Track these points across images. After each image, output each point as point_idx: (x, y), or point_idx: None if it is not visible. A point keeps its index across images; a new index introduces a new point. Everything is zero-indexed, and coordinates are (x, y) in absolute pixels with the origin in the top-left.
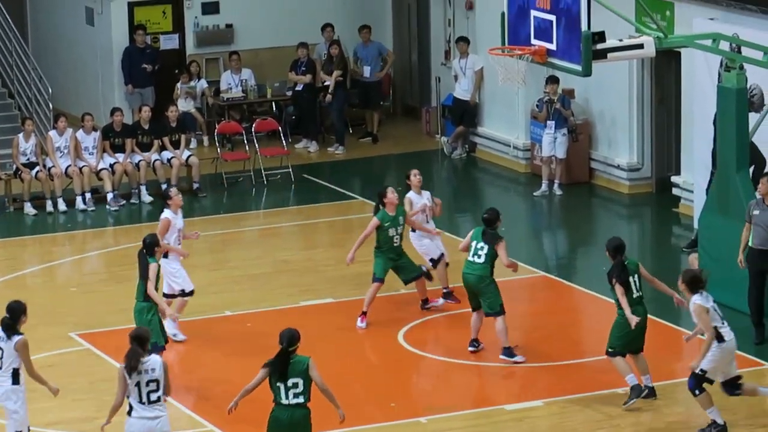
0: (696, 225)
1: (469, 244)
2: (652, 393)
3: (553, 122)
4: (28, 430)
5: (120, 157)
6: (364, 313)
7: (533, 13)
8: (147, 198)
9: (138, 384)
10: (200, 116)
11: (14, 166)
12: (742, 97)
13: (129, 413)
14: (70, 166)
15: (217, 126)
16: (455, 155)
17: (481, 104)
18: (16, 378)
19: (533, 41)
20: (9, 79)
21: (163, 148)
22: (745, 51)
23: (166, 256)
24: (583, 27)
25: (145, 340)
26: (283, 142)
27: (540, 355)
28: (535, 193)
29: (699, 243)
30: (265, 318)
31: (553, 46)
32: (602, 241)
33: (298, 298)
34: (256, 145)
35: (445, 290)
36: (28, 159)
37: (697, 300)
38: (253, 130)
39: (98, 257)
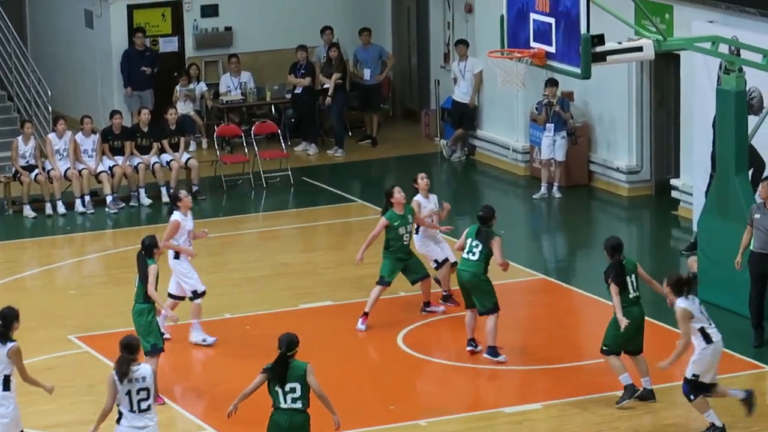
0: (695, 228)
1: (464, 243)
2: (651, 396)
3: (553, 125)
4: None
5: (119, 159)
6: (366, 315)
7: (532, 15)
8: (146, 201)
9: (129, 392)
10: (199, 119)
11: (13, 169)
12: (741, 100)
13: (118, 421)
14: (69, 168)
15: (216, 129)
16: (454, 158)
17: (481, 107)
18: (6, 384)
19: (532, 44)
20: (8, 81)
21: (162, 150)
22: (744, 54)
23: (177, 257)
24: (583, 30)
25: (135, 347)
26: (283, 144)
27: (539, 358)
28: (534, 196)
29: (698, 246)
30: (264, 321)
31: (552, 49)
32: (601, 244)
33: (297, 301)
34: (256, 147)
35: (444, 293)
36: (27, 162)
37: (681, 303)
38: (252, 132)
39: (97, 260)
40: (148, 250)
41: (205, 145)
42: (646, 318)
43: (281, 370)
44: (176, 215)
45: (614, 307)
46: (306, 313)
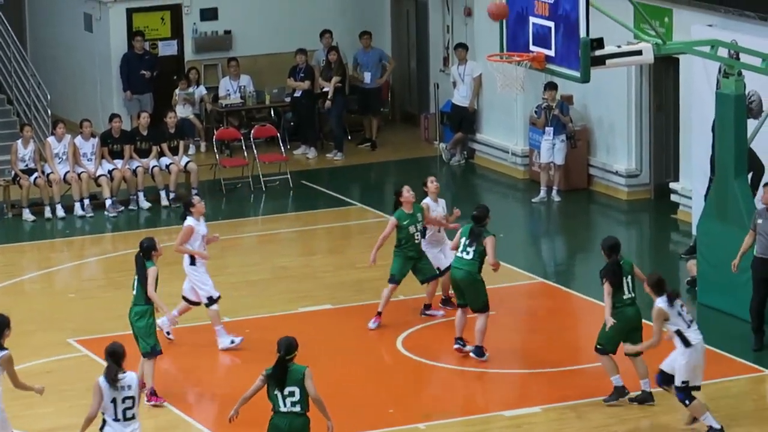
0: (694, 231)
1: (458, 242)
2: (650, 398)
3: (552, 128)
4: None
5: (118, 163)
6: (379, 314)
7: (532, 19)
8: (145, 204)
9: (114, 400)
10: (199, 122)
11: (13, 173)
12: (741, 104)
13: (102, 429)
14: (68, 172)
15: (215, 132)
16: (454, 162)
17: (480, 111)
18: None
19: (532, 47)
20: (8, 85)
21: (161, 154)
22: (744, 57)
23: (192, 263)
24: (582, 33)
25: (121, 355)
26: (282, 148)
27: (538, 362)
28: (533, 200)
29: (697, 249)
30: (263, 324)
31: (551, 53)
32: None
33: (296, 304)
34: (255, 151)
35: (444, 297)
36: (26, 165)
37: (659, 303)
38: (251, 136)
39: (97, 263)
40: (147, 252)
41: (203, 148)
42: (644, 321)
43: (280, 373)
44: (189, 220)
45: (605, 306)
46: (305, 316)
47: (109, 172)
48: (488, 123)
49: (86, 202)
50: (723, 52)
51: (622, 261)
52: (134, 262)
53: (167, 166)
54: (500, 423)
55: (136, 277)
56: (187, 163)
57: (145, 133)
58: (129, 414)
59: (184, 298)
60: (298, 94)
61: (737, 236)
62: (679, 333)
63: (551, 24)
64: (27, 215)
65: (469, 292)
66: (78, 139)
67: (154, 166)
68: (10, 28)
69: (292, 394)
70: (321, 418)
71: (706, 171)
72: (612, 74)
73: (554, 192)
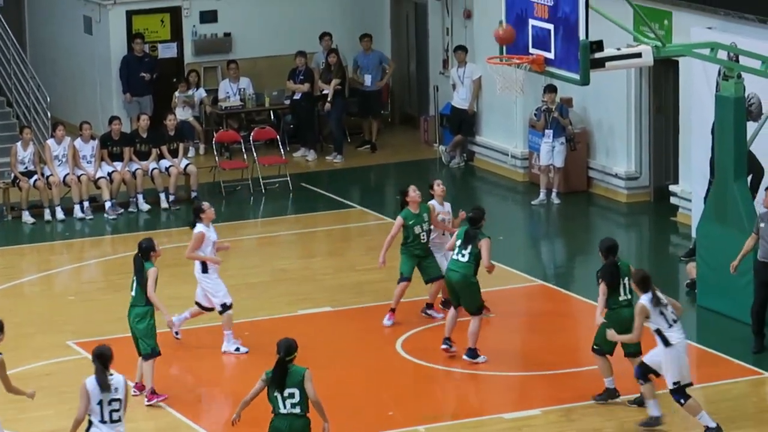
0: (694, 234)
1: (454, 243)
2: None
3: (551, 131)
4: None
5: (118, 165)
6: (393, 311)
7: (531, 22)
8: (144, 207)
9: (101, 402)
10: (198, 125)
11: (12, 175)
12: (740, 106)
13: (88, 430)
14: (68, 174)
15: (215, 135)
16: (453, 164)
17: (479, 113)
18: None
19: (531, 50)
20: (7, 87)
21: (161, 156)
22: (743, 60)
23: (204, 270)
24: (581, 36)
25: (108, 357)
26: (281, 150)
27: (538, 364)
28: (533, 202)
29: (697, 252)
30: (263, 327)
31: (551, 55)
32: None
33: (296, 306)
34: (254, 153)
35: (444, 299)
36: (26, 167)
37: (643, 300)
38: (251, 138)
39: (96, 266)
40: (145, 252)
41: (203, 151)
42: None
43: (280, 375)
44: (200, 227)
45: (598, 305)
46: (305, 318)
47: (109, 174)
48: (488, 125)
49: (86, 204)
50: (722, 54)
51: (619, 262)
52: (133, 262)
53: (167, 169)
54: (499, 425)
55: (134, 279)
56: (187, 165)
57: (144, 135)
58: (115, 416)
59: (197, 303)
60: (297, 96)
61: (737, 239)
62: (658, 332)
63: (551, 26)
64: (26, 217)
65: (465, 295)
66: (77, 142)
67: (153, 169)
68: (9, 30)
69: (291, 395)
70: (320, 420)
71: (706, 173)
72: (611, 77)
73: (554, 194)
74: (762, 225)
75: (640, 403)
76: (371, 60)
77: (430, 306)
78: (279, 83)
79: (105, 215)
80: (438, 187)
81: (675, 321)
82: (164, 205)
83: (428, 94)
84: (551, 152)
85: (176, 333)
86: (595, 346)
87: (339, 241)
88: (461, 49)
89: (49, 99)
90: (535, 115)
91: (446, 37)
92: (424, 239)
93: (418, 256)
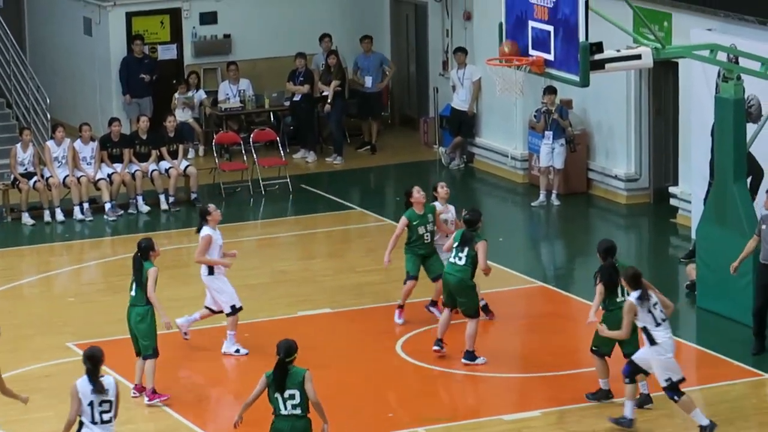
0: (694, 235)
1: (451, 245)
2: (648, 400)
3: (551, 133)
4: None
5: (118, 167)
6: (401, 308)
7: (531, 23)
8: (144, 208)
9: (91, 404)
10: (198, 126)
11: (12, 176)
12: (740, 108)
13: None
14: (67, 176)
15: (214, 136)
16: (453, 166)
17: (479, 115)
18: None
19: (531, 52)
20: (7, 88)
21: (160, 158)
22: (743, 61)
23: (210, 272)
24: (581, 37)
25: (99, 359)
26: (281, 152)
27: (537, 366)
28: (532, 204)
29: (697, 253)
30: (262, 328)
31: (551, 57)
32: None
33: (295, 308)
34: (254, 155)
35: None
36: (25, 169)
37: (631, 297)
38: (251, 140)
39: (96, 267)
40: (144, 252)
41: (203, 152)
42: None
43: (280, 376)
44: (206, 230)
45: (593, 305)
46: (305, 320)
47: (109, 175)
48: (487, 127)
49: (85, 205)
50: (722, 56)
51: (617, 264)
52: (132, 262)
53: (167, 170)
54: (499, 427)
55: (133, 279)
56: (187, 167)
57: (144, 136)
58: (106, 417)
59: (207, 308)
60: (297, 98)
61: (736, 240)
62: (645, 330)
63: (550, 28)
64: (26, 219)
65: (462, 298)
66: (77, 143)
67: (153, 170)
68: (9, 32)
69: (292, 396)
70: (320, 420)
71: (706, 175)
72: (611, 78)
73: (553, 196)
74: (763, 227)
75: (639, 403)
76: (372, 61)
77: (434, 303)
78: (279, 85)
79: (105, 217)
80: (442, 190)
81: (663, 320)
82: (164, 206)
83: (428, 95)
84: (551, 154)
85: (185, 334)
86: (593, 348)
87: (339, 242)
88: (461, 50)
89: (48, 100)
90: (534, 116)
91: (446, 39)
92: (427, 239)
93: (422, 255)
